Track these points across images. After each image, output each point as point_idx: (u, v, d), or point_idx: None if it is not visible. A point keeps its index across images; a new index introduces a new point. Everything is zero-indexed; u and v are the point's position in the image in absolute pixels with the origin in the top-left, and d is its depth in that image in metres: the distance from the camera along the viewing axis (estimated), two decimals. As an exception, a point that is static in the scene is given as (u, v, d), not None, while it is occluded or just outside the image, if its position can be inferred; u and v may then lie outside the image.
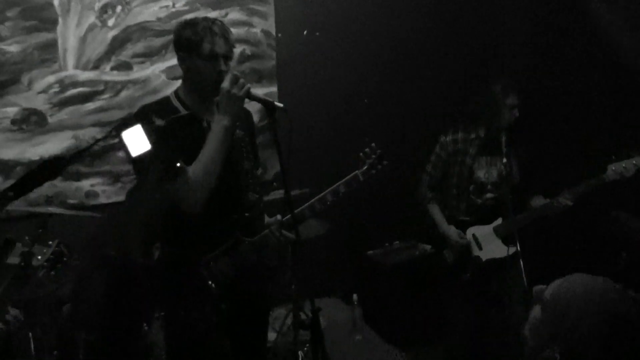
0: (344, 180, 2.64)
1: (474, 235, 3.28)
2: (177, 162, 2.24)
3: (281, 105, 2.23)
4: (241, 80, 2.25)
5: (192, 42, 2.30)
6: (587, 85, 3.57)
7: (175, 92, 2.43)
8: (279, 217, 2.54)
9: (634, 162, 2.75)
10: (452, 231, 3.30)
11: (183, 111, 2.37)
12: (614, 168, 2.82)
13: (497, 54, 4.04)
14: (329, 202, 2.54)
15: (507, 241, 3.16)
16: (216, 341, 2.41)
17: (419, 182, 3.41)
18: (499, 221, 3.24)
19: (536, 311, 1.50)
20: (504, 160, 3.08)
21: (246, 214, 2.48)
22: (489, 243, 3.26)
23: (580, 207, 3.06)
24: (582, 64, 3.59)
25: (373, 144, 2.71)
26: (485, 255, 3.25)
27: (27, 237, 2.33)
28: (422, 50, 4.07)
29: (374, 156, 2.65)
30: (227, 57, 2.34)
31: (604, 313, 1.36)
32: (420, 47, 4.07)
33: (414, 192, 3.45)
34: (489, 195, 3.26)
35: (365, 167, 2.63)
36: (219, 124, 2.27)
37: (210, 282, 2.39)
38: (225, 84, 2.25)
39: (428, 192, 3.39)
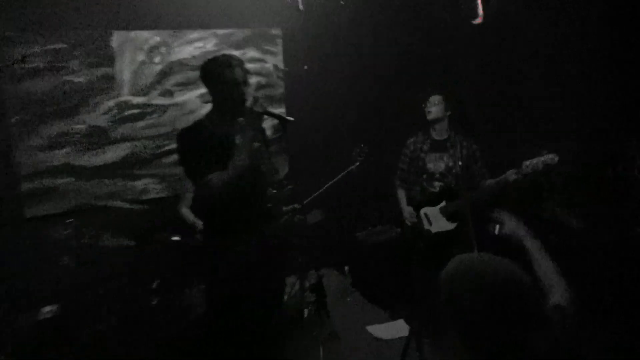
0: (342, 174, 2.78)
1: (425, 213, 3.34)
2: (201, 169, 2.22)
3: (292, 118, 2.27)
4: (260, 100, 2.26)
5: (217, 73, 2.28)
6: (508, 96, 3.62)
7: (208, 115, 2.41)
8: (296, 205, 2.63)
9: (542, 159, 2.82)
10: (407, 211, 3.39)
11: (211, 130, 2.32)
12: (527, 163, 2.87)
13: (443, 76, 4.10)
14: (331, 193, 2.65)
15: (451, 218, 3.26)
16: (246, 305, 2.41)
17: (395, 174, 3.53)
18: (444, 203, 3.29)
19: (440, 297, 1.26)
20: (449, 156, 3.23)
21: (268, 205, 2.54)
22: (437, 220, 3.30)
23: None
24: (511, 74, 3.63)
25: (362, 145, 2.87)
26: (434, 229, 3.30)
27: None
28: (394, 81, 4.21)
29: (363, 154, 2.84)
30: (245, 82, 2.31)
31: (494, 283, 1.16)
32: (392, 78, 4.21)
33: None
34: (437, 183, 3.30)
35: (357, 163, 2.80)
36: (245, 135, 2.24)
37: (242, 259, 2.39)
38: (248, 103, 2.23)
39: (397, 180, 3.49)
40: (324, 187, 2.78)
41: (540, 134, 3.45)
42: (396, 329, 3.50)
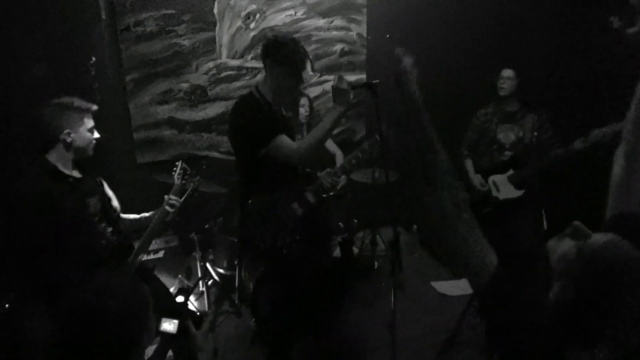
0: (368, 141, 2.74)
1: (493, 181, 3.39)
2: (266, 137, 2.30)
3: (377, 80, 2.21)
4: (344, 79, 2.25)
5: (288, 59, 2.26)
6: (577, 71, 3.52)
7: (256, 88, 2.41)
8: (328, 169, 2.72)
9: (611, 128, 2.76)
10: (476, 180, 3.44)
11: (263, 102, 2.36)
12: (595, 132, 2.85)
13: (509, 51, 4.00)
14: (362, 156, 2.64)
15: (518, 186, 3.31)
16: (294, 258, 2.49)
17: (462, 142, 3.60)
18: (512, 171, 3.33)
19: (568, 245, 1.07)
20: (519, 127, 3.26)
21: (307, 170, 2.69)
22: (505, 187, 3.35)
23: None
24: (579, 54, 3.54)
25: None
26: (501, 195, 3.36)
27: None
28: (469, 53, 4.17)
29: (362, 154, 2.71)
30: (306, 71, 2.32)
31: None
32: (467, 50, 4.20)
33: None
34: (507, 153, 3.35)
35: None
36: (334, 110, 2.27)
37: (286, 218, 2.49)
38: (334, 83, 2.23)
39: (465, 150, 3.56)
40: (358, 149, 2.66)
41: (610, 104, 3.22)
42: (460, 286, 3.60)
